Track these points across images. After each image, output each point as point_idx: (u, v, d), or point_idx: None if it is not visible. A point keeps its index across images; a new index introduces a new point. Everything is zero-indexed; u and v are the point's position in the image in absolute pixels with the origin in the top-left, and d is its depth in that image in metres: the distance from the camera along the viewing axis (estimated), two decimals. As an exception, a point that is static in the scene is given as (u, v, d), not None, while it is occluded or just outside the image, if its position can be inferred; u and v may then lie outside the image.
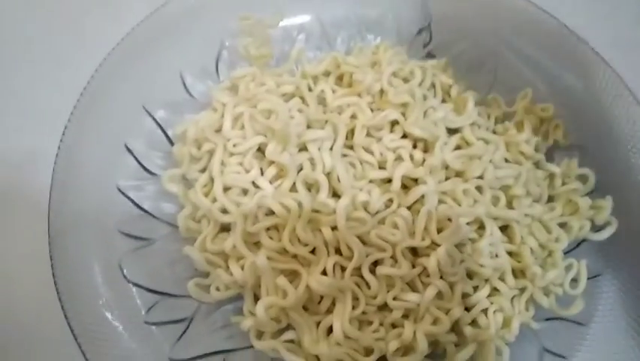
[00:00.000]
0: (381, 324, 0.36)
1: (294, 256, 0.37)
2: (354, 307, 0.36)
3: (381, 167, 0.40)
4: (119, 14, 0.48)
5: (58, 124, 0.38)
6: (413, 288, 0.37)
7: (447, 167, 0.40)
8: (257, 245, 0.38)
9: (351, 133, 0.41)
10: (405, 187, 0.40)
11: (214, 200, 0.38)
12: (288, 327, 0.37)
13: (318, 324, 0.36)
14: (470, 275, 0.38)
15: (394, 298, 0.36)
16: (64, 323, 0.32)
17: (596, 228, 0.41)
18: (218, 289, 0.37)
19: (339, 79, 0.45)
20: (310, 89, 0.44)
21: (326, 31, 0.49)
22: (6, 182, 0.44)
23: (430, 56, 0.49)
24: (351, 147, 0.41)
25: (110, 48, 0.41)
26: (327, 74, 0.45)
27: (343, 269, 0.37)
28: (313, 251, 0.37)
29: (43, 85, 0.48)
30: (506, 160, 0.42)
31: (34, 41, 0.51)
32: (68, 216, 0.36)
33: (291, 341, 0.36)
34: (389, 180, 0.40)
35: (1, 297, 0.41)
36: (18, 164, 0.44)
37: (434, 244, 0.37)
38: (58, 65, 0.49)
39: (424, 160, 0.40)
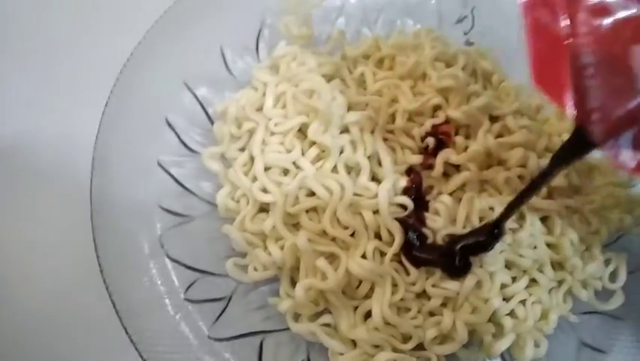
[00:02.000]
0: (419, 311, 0.36)
1: (334, 239, 0.37)
2: (393, 293, 0.36)
3: (423, 152, 0.40)
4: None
5: (100, 99, 0.38)
6: (452, 276, 0.37)
7: (489, 154, 0.40)
8: (296, 227, 0.38)
9: (392, 117, 0.41)
10: (446, 174, 0.39)
11: (254, 179, 0.38)
12: (325, 310, 0.37)
13: (355, 309, 0.36)
14: (509, 266, 0.38)
15: (433, 286, 0.36)
16: (107, 298, 0.32)
17: (637, 222, 0.40)
18: (255, 269, 0.37)
19: (380, 62, 0.44)
20: (350, 72, 0.44)
21: (367, 13, 0.48)
22: (50, 158, 0.44)
23: (469, 44, 0.48)
24: (392, 132, 0.40)
25: (151, 23, 0.41)
26: (367, 57, 0.45)
27: (383, 254, 0.36)
28: (353, 235, 0.37)
29: (84, 61, 0.48)
30: (548, 150, 0.41)
31: (74, 19, 0.50)
32: (109, 190, 0.36)
33: (328, 325, 0.36)
34: (430, 166, 0.39)
35: (45, 270, 0.41)
36: (61, 139, 0.44)
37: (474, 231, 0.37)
38: (98, 40, 0.49)
39: (466, 147, 0.39)
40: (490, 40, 0.48)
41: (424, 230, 0.37)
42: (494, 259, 0.37)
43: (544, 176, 0.30)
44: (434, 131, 0.40)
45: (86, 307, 0.39)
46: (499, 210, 0.36)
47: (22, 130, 0.46)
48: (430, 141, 0.39)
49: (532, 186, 0.32)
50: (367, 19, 0.49)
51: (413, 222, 0.37)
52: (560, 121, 0.43)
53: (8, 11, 0.51)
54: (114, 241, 0.34)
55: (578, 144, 0.27)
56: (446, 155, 0.38)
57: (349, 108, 0.41)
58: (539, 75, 0.25)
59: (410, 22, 0.49)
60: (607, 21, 0.24)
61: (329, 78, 0.43)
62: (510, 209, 0.34)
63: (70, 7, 0.51)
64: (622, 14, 0.24)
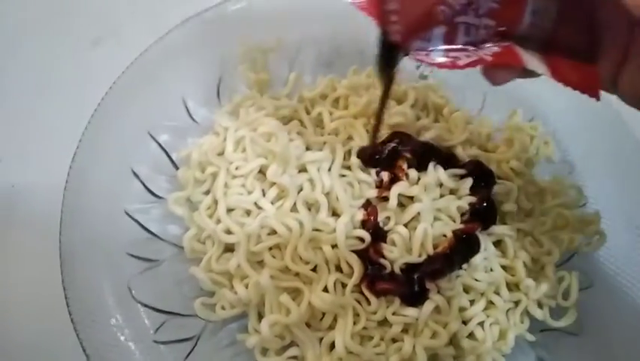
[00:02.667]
0: (381, 339, 0.38)
1: (297, 274, 0.38)
2: (355, 323, 0.37)
3: (378, 186, 0.42)
4: (124, 43, 0.50)
5: (67, 151, 0.40)
6: (411, 303, 0.38)
7: (441, 185, 0.42)
8: (260, 264, 0.39)
9: (348, 154, 0.43)
10: (402, 205, 0.41)
11: (218, 221, 0.40)
12: (292, 344, 0.38)
13: (320, 340, 0.38)
14: (466, 289, 0.40)
15: (394, 314, 0.38)
16: (77, 343, 0.33)
17: (587, 241, 0.43)
18: (223, 308, 0.39)
19: (336, 102, 0.47)
20: (308, 112, 0.46)
21: (322, 54, 0.51)
22: (17, 208, 0.45)
23: (422, 77, 0.51)
24: (348, 168, 0.43)
25: (116, 77, 0.43)
26: (323, 97, 0.47)
27: (344, 286, 0.38)
28: (315, 269, 0.38)
29: (51, 113, 0.50)
30: (498, 177, 0.44)
31: (41, 71, 0.52)
32: (78, 240, 0.37)
33: (295, 358, 0.38)
34: (386, 198, 0.41)
35: (15, 320, 0.42)
36: (29, 190, 0.46)
37: (430, 258, 0.39)
38: (66, 94, 0.51)
39: (419, 179, 0.42)
40: (442, 73, 0.50)
41: (382, 261, 0.39)
42: (451, 284, 0.39)
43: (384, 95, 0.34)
44: (388, 166, 0.42)
45: (58, 354, 0.40)
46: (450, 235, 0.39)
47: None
48: (384, 175, 0.41)
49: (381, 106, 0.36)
50: (324, 60, 0.51)
51: (371, 253, 0.39)
52: (509, 148, 0.46)
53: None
54: (84, 290, 0.35)
55: (385, 49, 0.29)
56: (399, 188, 0.40)
57: (308, 148, 0.43)
58: None
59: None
60: None
61: (287, 120, 0.45)
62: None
63: (37, 60, 0.53)
64: None
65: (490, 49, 0.28)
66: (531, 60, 0.28)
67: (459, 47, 0.28)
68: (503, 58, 0.28)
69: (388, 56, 0.30)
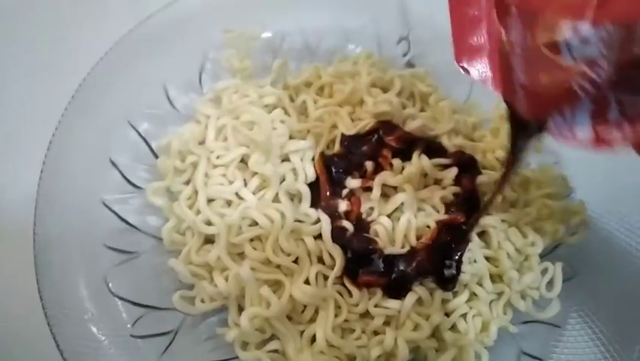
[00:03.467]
0: (363, 332, 0.37)
1: (278, 267, 0.38)
2: (336, 316, 0.37)
3: (362, 176, 0.41)
4: (103, 28, 0.48)
5: (43, 138, 0.39)
6: (393, 295, 0.38)
7: (425, 174, 0.41)
8: (241, 256, 0.39)
9: (332, 142, 0.42)
10: (385, 195, 0.41)
11: (198, 212, 0.39)
12: (273, 337, 0.37)
13: (301, 333, 0.37)
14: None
15: (375, 306, 0.37)
16: (51, 338, 0.32)
17: (571, 231, 0.42)
18: (203, 301, 0.38)
19: (321, 89, 0.46)
20: (292, 100, 0.45)
21: (308, 41, 0.50)
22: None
23: (409, 65, 0.50)
24: (332, 157, 0.42)
25: (95, 62, 0.42)
26: (308, 84, 0.46)
27: (326, 278, 0.38)
28: (296, 261, 0.38)
29: (28, 99, 0.49)
30: (483, 167, 0.43)
31: (18, 56, 0.51)
32: (54, 231, 0.36)
33: (275, 351, 0.37)
34: (369, 188, 0.41)
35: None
36: (2, 179, 0.45)
37: (413, 250, 0.38)
38: (42, 79, 0.50)
39: (403, 168, 0.41)
40: (430, 61, 0.50)
41: (365, 251, 0.38)
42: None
43: (506, 173, 0.31)
44: (372, 155, 0.41)
45: (30, 347, 0.39)
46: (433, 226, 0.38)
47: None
48: (369, 165, 0.41)
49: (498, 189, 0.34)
50: (309, 47, 0.50)
51: (353, 244, 0.38)
52: (495, 138, 0.45)
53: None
54: (57, 282, 0.35)
55: (517, 125, 0.27)
56: (383, 178, 0.40)
57: (292, 136, 0.42)
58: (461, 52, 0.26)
59: (352, 47, 0.51)
60: None
61: (271, 108, 0.44)
62: (481, 213, 0.36)
63: (14, 44, 0.52)
64: None
65: None
66: None
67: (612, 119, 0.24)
68: None
69: (522, 135, 0.28)
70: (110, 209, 0.39)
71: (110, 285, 0.36)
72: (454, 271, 0.38)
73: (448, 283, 0.38)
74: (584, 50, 0.23)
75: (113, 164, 0.40)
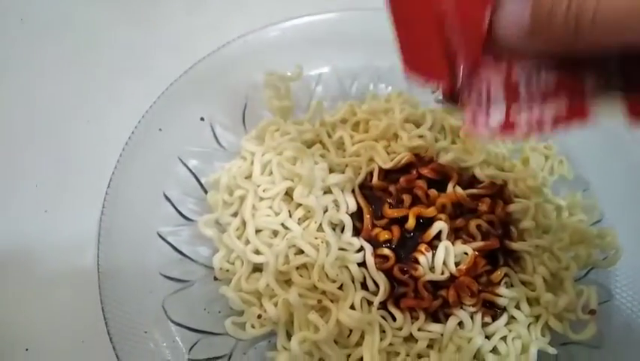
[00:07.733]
0: (407, 355, 0.39)
1: (323, 293, 0.40)
2: (381, 339, 0.38)
3: (399, 207, 0.43)
4: (152, 74, 0.52)
5: (103, 177, 0.42)
6: (436, 319, 0.40)
7: (460, 204, 0.43)
8: (288, 283, 0.41)
9: (369, 175, 0.45)
10: (424, 225, 0.43)
11: (247, 242, 0.41)
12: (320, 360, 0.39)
13: (348, 357, 0.39)
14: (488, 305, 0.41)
15: (419, 330, 0.39)
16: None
17: (604, 256, 0.44)
18: (253, 326, 0.40)
19: (356, 125, 0.49)
20: (330, 136, 0.48)
21: (342, 81, 0.53)
22: (57, 233, 0.47)
23: (438, 102, 0.53)
24: (370, 188, 0.44)
25: (147, 106, 0.45)
26: (344, 121, 0.49)
27: (370, 303, 0.39)
28: (341, 287, 0.40)
29: (87, 142, 0.52)
30: (515, 195, 0.45)
31: (74, 104, 0.55)
32: (115, 264, 0.39)
33: (323, 374, 0.39)
34: (406, 218, 0.43)
35: (56, 343, 0.43)
36: (67, 214, 0.48)
37: (453, 277, 0.40)
38: (100, 123, 0.53)
39: (437, 197, 0.43)
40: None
41: (406, 278, 0.40)
42: (473, 299, 0.40)
43: None
44: (409, 187, 0.44)
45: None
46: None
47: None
48: (406, 198, 0.43)
49: None
50: (343, 86, 0.53)
51: (396, 271, 0.40)
52: (525, 166, 0.47)
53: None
54: (121, 311, 0.37)
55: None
56: (417, 210, 0.42)
57: (331, 170, 0.45)
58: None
59: (382, 86, 0.54)
60: None
61: (310, 143, 0.47)
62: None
63: (71, 92, 0.56)
64: None
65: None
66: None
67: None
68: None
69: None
70: (164, 240, 0.41)
71: (168, 312, 0.38)
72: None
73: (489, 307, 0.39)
74: None
75: (167, 198, 0.43)
